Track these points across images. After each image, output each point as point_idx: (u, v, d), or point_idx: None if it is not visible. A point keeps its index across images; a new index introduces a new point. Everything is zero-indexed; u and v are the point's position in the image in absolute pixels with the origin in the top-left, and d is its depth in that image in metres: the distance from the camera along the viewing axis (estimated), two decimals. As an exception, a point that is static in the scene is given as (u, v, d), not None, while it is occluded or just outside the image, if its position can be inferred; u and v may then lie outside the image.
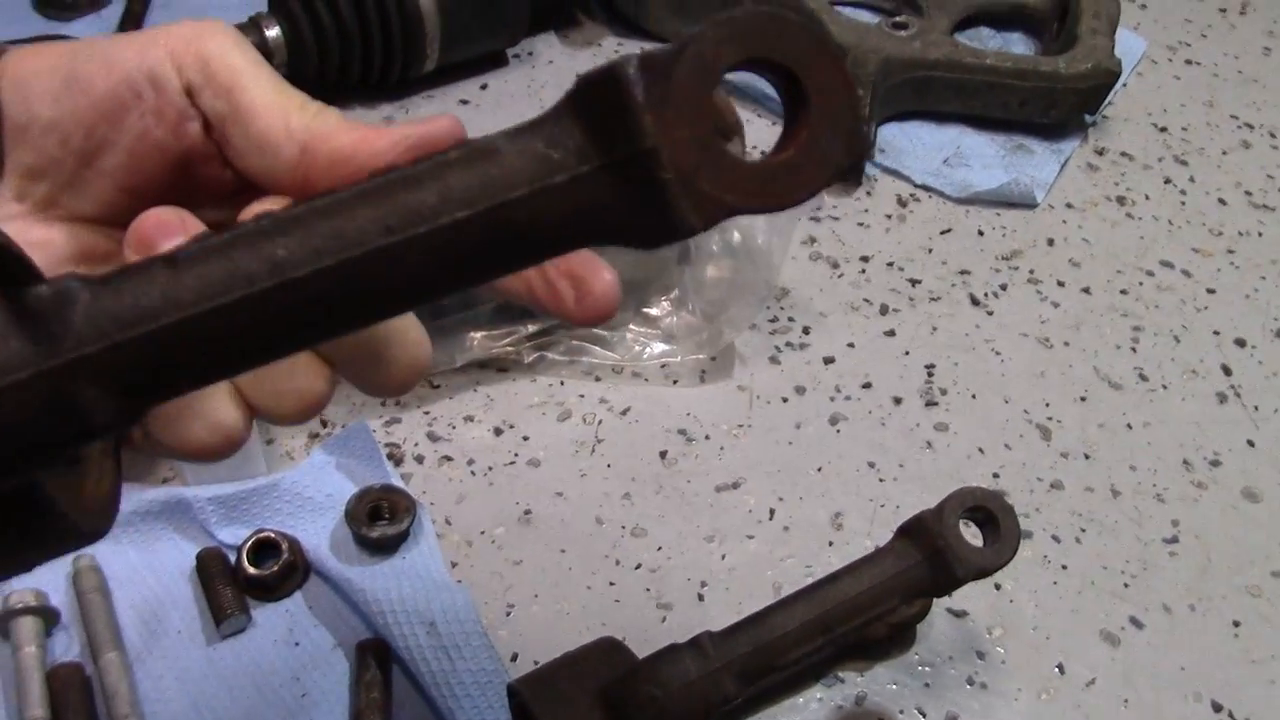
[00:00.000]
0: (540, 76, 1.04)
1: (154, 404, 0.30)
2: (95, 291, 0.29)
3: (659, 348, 0.81)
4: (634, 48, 1.06)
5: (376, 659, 0.64)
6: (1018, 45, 1.08)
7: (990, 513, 0.61)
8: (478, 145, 0.31)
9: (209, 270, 0.29)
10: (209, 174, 0.42)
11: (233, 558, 0.68)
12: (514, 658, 0.67)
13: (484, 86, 1.02)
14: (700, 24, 0.30)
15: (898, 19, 1.01)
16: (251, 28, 0.93)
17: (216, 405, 0.37)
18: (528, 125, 0.31)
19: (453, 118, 0.41)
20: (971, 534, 0.62)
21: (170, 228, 0.37)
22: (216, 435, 0.37)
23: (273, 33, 0.93)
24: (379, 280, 0.30)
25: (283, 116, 0.40)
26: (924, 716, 0.66)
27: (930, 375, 0.83)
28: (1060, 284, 0.90)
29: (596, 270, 0.41)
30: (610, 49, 1.06)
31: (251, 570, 0.67)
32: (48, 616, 0.65)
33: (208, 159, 0.42)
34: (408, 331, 0.39)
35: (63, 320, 0.28)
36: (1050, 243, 0.93)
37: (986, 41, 1.08)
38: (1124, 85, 1.07)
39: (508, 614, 0.68)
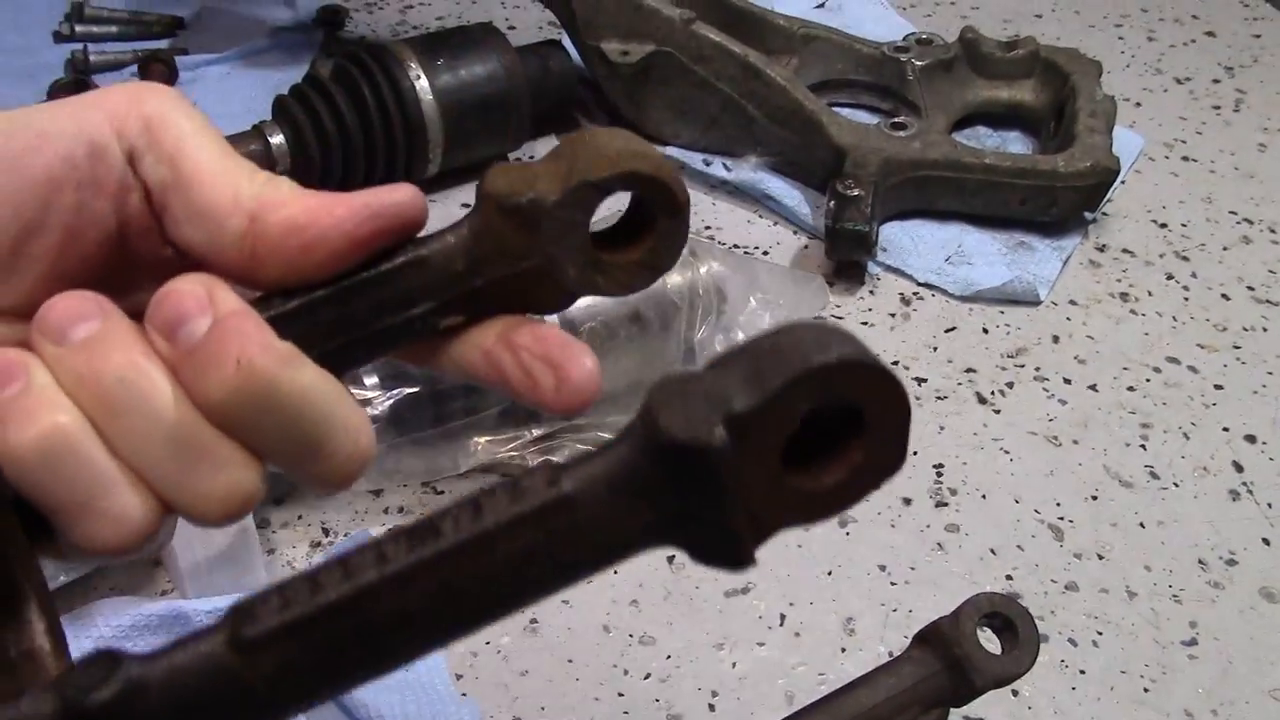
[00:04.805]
0: (542, 179, 1.04)
1: None
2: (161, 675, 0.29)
3: (665, 450, 0.80)
4: (635, 150, 1.07)
5: (380, 777, 0.62)
6: (1015, 144, 1.09)
7: (1008, 619, 0.59)
8: (554, 497, 0.31)
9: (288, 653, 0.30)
10: (145, 250, 0.39)
11: (233, 672, 0.66)
12: (521, 773, 0.65)
13: (486, 190, 1.03)
14: (779, 366, 0.30)
15: (896, 119, 1.02)
16: (255, 135, 0.94)
17: (116, 501, 0.34)
18: (599, 461, 0.31)
19: (412, 188, 0.38)
20: (987, 638, 0.60)
21: (85, 315, 0.35)
22: (121, 531, 0.34)
23: (276, 139, 0.94)
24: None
25: (231, 184, 0.37)
26: (944, 830, 0.64)
27: (939, 475, 0.82)
28: (1067, 381, 0.90)
29: (575, 356, 0.38)
30: (611, 151, 1.07)
31: (252, 685, 0.65)
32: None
33: (145, 233, 0.39)
34: (348, 417, 0.36)
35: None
36: (1055, 340, 0.93)
37: (984, 140, 1.09)
38: (1123, 182, 1.07)
39: (514, 727, 0.67)
